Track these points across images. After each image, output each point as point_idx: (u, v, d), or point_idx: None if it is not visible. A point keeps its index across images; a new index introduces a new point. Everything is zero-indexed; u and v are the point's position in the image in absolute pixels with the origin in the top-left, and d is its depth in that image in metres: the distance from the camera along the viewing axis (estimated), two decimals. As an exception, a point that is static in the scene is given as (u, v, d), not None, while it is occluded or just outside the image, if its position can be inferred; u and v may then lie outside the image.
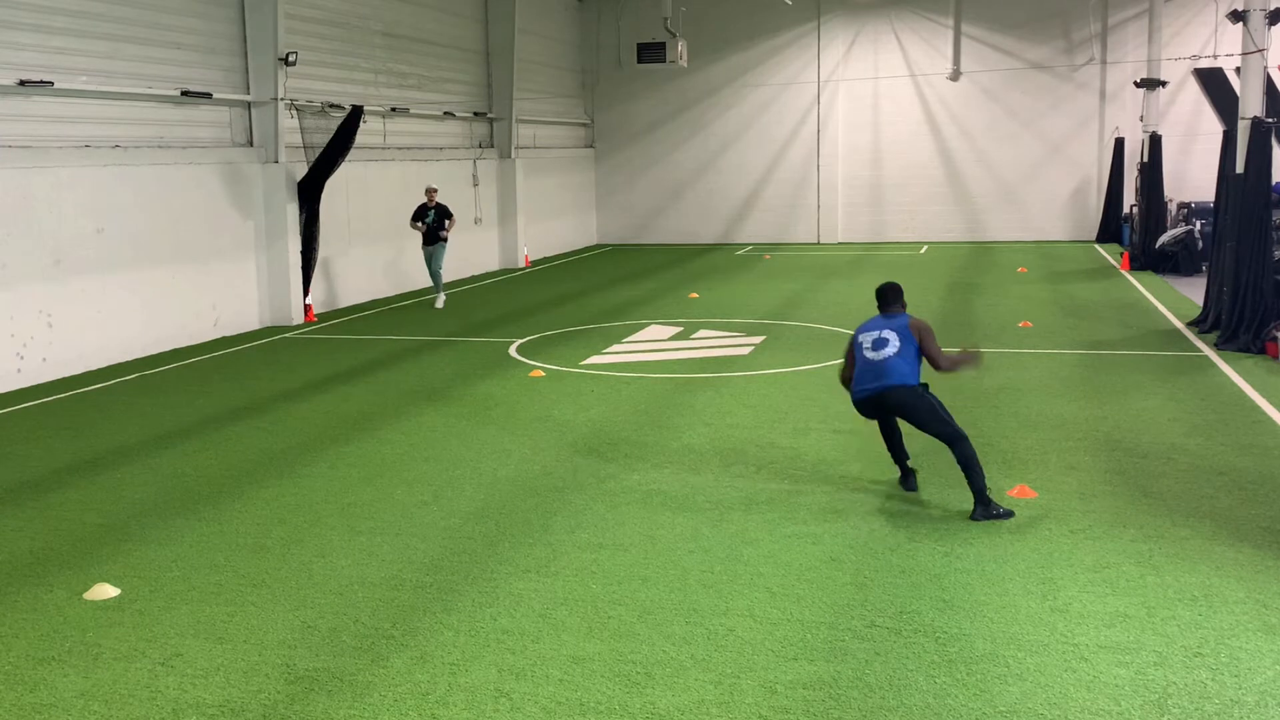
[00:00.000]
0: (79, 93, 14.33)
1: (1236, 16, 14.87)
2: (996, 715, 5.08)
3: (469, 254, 24.80)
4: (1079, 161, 29.73)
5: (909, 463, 8.67)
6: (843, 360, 8.74)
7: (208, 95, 16.53)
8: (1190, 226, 22.27)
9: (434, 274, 19.34)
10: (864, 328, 8.46)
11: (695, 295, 20.42)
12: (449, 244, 19.80)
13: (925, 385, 8.15)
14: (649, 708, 5.22)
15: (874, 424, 8.79)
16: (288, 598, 6.67)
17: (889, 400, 8.11)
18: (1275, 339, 13.25)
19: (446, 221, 19.06)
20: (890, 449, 8.63)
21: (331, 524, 8.03)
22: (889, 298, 8.45)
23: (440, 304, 19.49)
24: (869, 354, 8.23)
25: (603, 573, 6.92)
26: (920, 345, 8.15)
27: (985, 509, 7.81)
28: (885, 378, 8.07)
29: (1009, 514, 7.84)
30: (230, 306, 17.03)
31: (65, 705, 5.41)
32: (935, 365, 8.22)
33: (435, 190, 19.21)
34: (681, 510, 8.11)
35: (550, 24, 29.81)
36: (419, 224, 19.14)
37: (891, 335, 8.19)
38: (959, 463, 7.89)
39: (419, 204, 19.38)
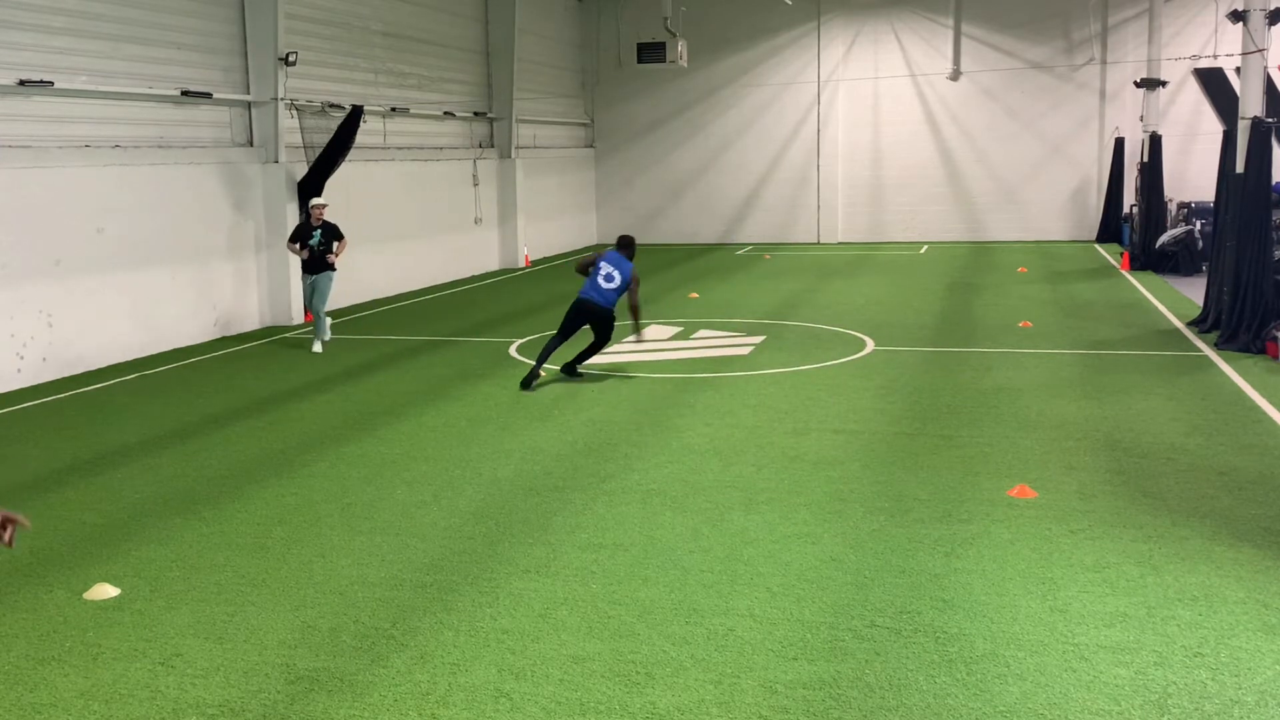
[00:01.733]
0: (79, 93, 14.33)
1: (1236, 16, 14.87)
2: (996, 715, 5.08)
3: (469, 254, 24.81)
4: (1079, 161, 29.73)
5: (542, 369, 12.52)
6: (585, 261, 12.77)
7: (208, 95, 16.53)
8: (1190, 226, 22.28)
9: (317, 310, 15.24)
10: (606, 257, 12.64)
11: (695, 295, 20.42)
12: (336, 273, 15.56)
13: (614, 314, 12.50)
14: (649, 708, 5.22)
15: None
16: (288, 598, 6.67)
17: (595, 309, 12.41)
18: (1275, 339, 13.26)
19: (335, 245, 15.19)
20: (548, 349, 12.51)
21: (331, 524, 8.03)
22: (624, 245, 12.83)
23: (318, 348, 15.28)
24: (600, 280, 12.50)
25: (603, 573, 6.92)
26: (628, 287, 12.48)
27: (571, 367, 12.68)
28: (600, 297, 12.41)
29: (580, 376, 12.62)
30: (230, 306, 17.03)
31: (65, 705, 5.41)
32: (630, 301, 12.51)
33: (323, 206, 15.28)
34: (681, 510, 8.11)
35: (550, 24, 29.82)
36: (297, 246, 15.20)
37: (617, 274, 12.52)
38: (588, 348, 12.67)
39: (298, 223, 15.84)
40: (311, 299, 15.23)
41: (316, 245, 15.04)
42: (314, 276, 15.18)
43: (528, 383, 12.30)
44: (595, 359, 13.38)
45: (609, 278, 12.47)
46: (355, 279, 20.40)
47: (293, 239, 15.31)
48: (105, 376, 13.91)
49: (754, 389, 12.19)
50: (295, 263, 18.07)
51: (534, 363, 12.60)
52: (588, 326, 12.70)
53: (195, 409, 11.96)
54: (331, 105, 19.01)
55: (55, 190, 13.84)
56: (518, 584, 6.77)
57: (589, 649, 5.84)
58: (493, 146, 26.21)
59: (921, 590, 6.51)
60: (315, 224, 15.15)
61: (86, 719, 5.28)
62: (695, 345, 15.13)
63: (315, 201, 15.31)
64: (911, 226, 31.13)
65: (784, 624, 6.09)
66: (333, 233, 15.21)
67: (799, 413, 11.03)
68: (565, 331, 12.58)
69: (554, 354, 12.85)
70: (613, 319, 12.52)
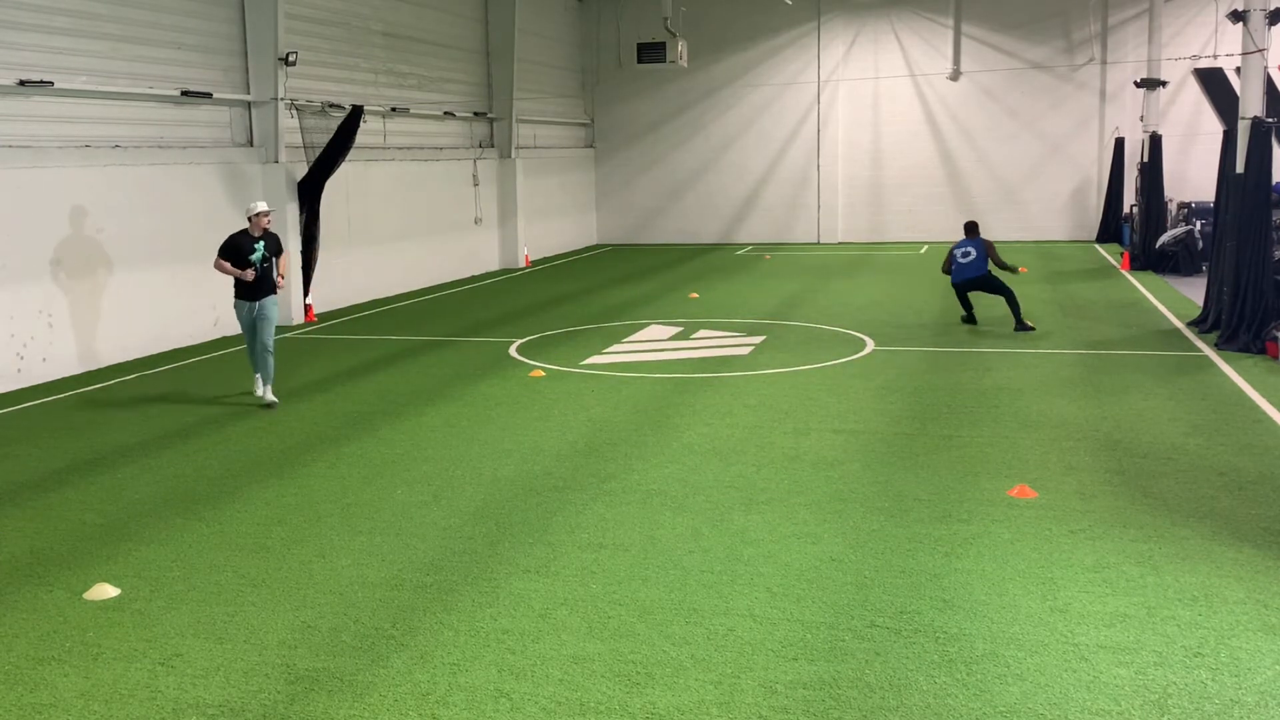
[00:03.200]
0: (79, 93, 14.33)
1: (1236, 16, 14.87)
2: (996, 715, 5.08)
3: (469, 254, 24.81)
4: (1079, 161, 29.73)
5: (974, 312, 16.43)
6: (945, 261, 16.35)
7: (208, 95, 16.53)
8: (1190, 226, 22.26)
9: (262, 347, 11.88)
10: (959, 245, 16.19)
11: (695, 295, 20.41)
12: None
13: (990, 272, 15.93)
14: (649, 708, 5.22)
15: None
16: (288, 598, 6.67)
17: (978, 281, 15.96)
18: (1275, 339, 13.25)
19: (277, 260, 12.02)
20: (967, 310, 16.37)
21: (331, 524, 8.03)
22: (971, 229, 16.45)
23: (262, 391, 12.08)
24: (960, 259, 15.99)
25: (603, 573, 6.92)
26: (989, 252, 16.02)
27: (1020, 326, 15.59)
28: (969, 271, 15.95)
29: (1032, 329, 15.59)
30: (230, 306, 16.99)
31: (65, 705, 5.41)
32: (996, 262, 16.09)
33: (268, 214, 11.89)
34: (681, 510, 8.11)
35: (550, 24, 29.83)
36: (231, 265, 11.67)
37: (974, 250, 16.03)
38: (1008, 302, 15.80)
39: (233, 234, 11.91)
40: (259, 333, 11.83)
41: (260, 261, 11.71)
42: (257, 302, 11.79)
43: (970, 320, 16.34)
44: (603, 358, 13.40)
45: (966, 254, 16.00)
46: (356, 279, 20.42)
47: (226, 254, 11.68)
48: (105, 376, 13.91)
49: (754, 389, 12.19)
50: (295, 263, 18.05)
51: (968, 314, 16.41)
52: (980, 294, 16.51)
53: (195, 409, 11.96)
54: (331, 105, 19.01)
55: (55, 190, 13.84)
56: (518, 584, 6.77)
57: (589, 649, 5.84)
58: (493, 146, 26.21)
59: (921, 590, 6.51)
60: (257, 235, 11.78)
61: (86, 719, 5.28)
62: (695, 345, 15.13)
63: (259, 207, 11.79)
64: (911, 226, 31.13)
65: (784, 624, 6.09)
66: (276, 246, 11.98)
67: (799, 413, 11.03)
68: (965, 305, 16.38)
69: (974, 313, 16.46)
70: (991, 276, 15.94)
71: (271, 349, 11.95)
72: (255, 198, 17.46)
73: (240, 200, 17.19)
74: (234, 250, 11.70)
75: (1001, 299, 16.06)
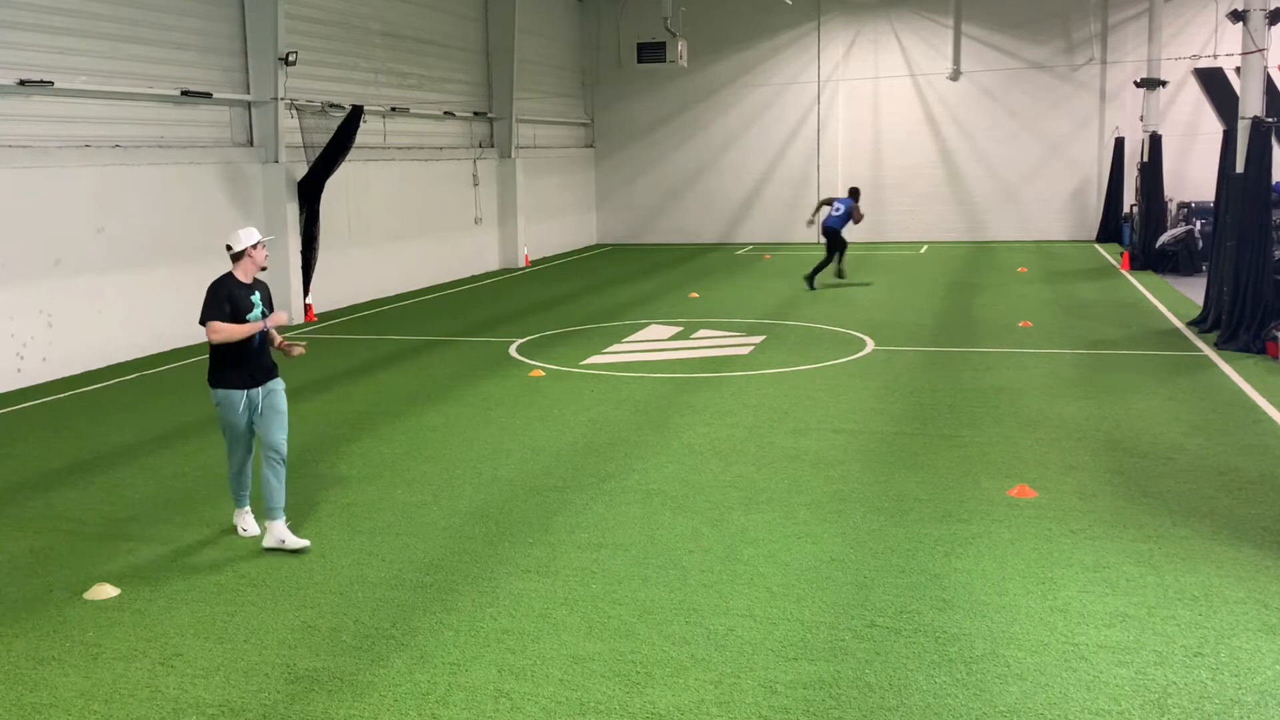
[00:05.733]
0: (79, 93, 14.33)
1: (1236, 16, 14.87)
2: (996, 715, 5.08)
3: (469, 254, 24.81)
4: (1079, 161, 29.72)
5: (815, 278, 20.84)
6: (821, 204, 21.05)
7: (208, 95, 16.53)
8: (1190, 226, 22.27)
9: (274, 455, 7.76)
10: (836, 200, 20.83)
11: (695, 295, 20.42)
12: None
13: (840, 234, 20.81)
14: (649, 708, 5.22)
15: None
16: (288, 598, 6.67)
17: (833, 231, 20.59)
18: (1275, 339, 13.26)
19: (276, 317, 7.78)
20: (819, 267, 20.78)
21: (331, 524, 8.03)
22: (853, 192, 21.13)
23: (282, 535, 7.52)
24: (833, 213, 20.68)
25: (603, 573, 6.92)
26: (851, 213, 20.60)
27: (810, 281, 20.90)
28: (836, 224, 20.63)
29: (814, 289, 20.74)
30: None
31: (65, 705, 5.41)
32: (855, 218, 20.93)
33: (263, 244, 7.81)
34: (681, 510, 8.11)
35: (550, 24, 29.82)
36: (232, 327, 7.50)
37: (843, 206, 20.63)
38: (821, 263, 20.80)
39: (216, 282, 7.65)
40: (267, 433, 7.85)
41: (260, 318, 7.70)
42: (259, 389, 7.85)
43: (810, 285, 20.75)
44: (603, 358, 13.42)
45: (837, 209, 20.62)
46: (356, 279, 20.42)
47: (220, 308, 7.50)
48: (105, 376, 13.91)
49: (754, 389, 12.19)
50: (295, 263, 18.11)
51: (812, 274, 20.85)
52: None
53: (195, 409, 11.95)
54: (331, 105, 19.01)
55: (55, 190, 13.84)
56: (518, 584, 6.77)
57: (589, 649, 5.84)
58: (493, 146, 26.21)
59: (921, 590, 6.51)
60: (248, 281, 7.72)
61: (86, 719, 5.29)
62: (695, 345, 15.13)
63: (254, 236, 7.71)
64: (911, 226, 31.12)
65: (784, 624, 6.09)
66: (269, 299, 7.92)
67: (799, 413, 11.03)
68: (829, 252, 20.91)
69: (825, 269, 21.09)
70: (842, 235, 20.82)
71: (285, 454, 7.81)
72: (255, 198, 17.43)
73: (240, 200, 17.18)
74: (230, 296, 7.57)
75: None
